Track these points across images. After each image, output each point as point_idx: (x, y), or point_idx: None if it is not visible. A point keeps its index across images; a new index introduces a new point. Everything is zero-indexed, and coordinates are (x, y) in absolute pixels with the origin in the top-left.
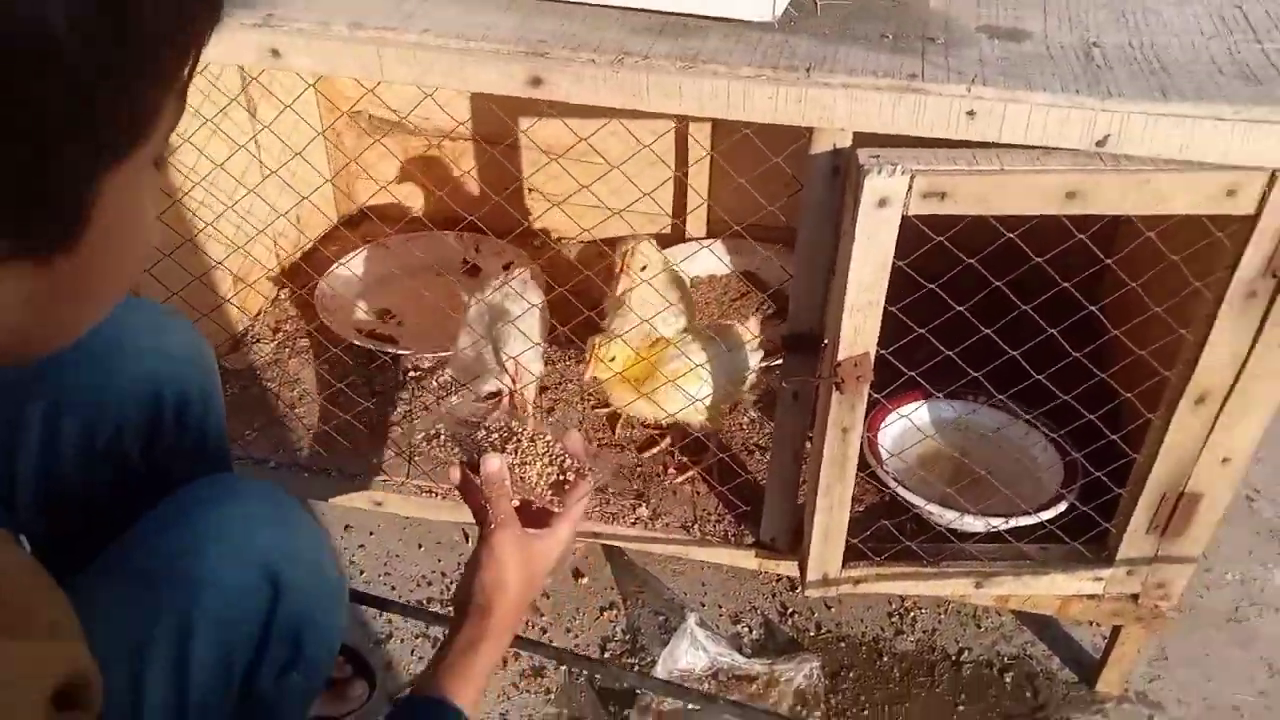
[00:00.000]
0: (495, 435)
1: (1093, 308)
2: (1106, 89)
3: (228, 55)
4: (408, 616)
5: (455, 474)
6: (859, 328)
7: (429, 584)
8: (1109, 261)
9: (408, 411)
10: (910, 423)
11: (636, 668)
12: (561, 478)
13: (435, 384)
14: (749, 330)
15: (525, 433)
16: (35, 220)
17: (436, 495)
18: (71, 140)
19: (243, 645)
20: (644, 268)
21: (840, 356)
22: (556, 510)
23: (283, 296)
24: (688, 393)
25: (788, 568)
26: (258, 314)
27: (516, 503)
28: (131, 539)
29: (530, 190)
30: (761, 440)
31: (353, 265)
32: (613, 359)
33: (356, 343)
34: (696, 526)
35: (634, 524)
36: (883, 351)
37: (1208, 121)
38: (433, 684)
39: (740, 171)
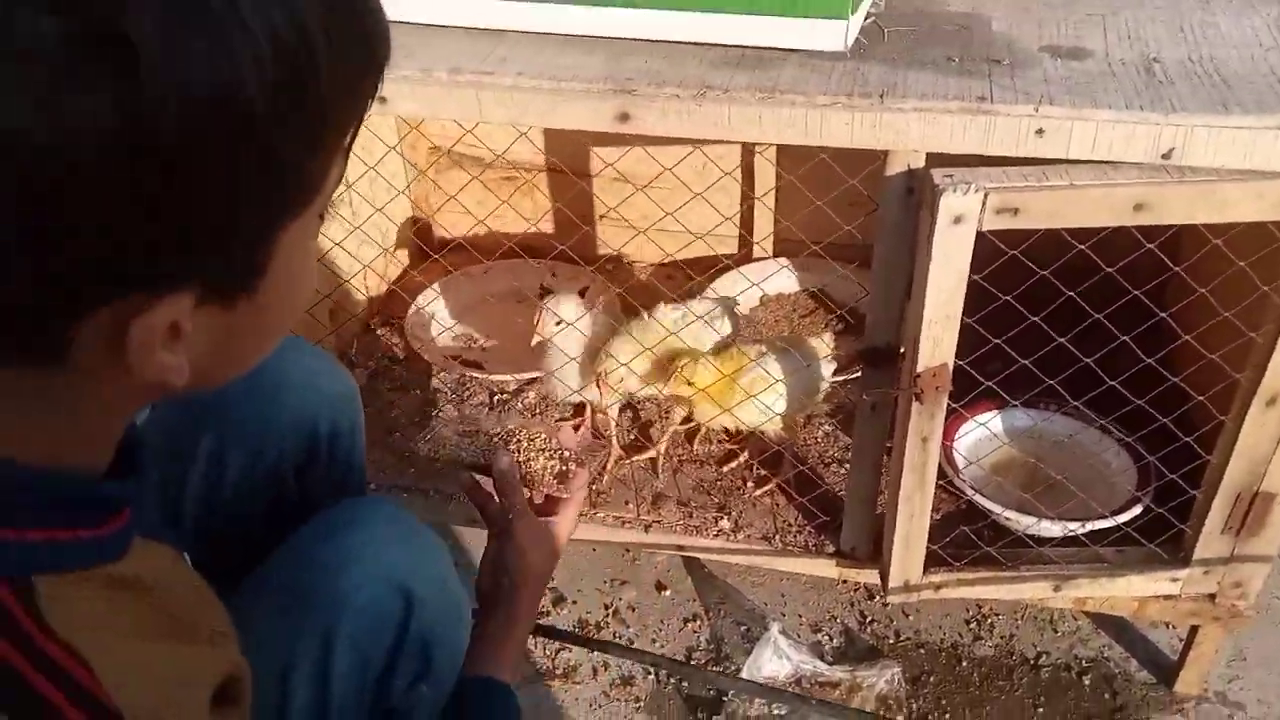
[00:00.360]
0: (496, 439)
1: (1162, 314)
2: (1170, 103)
3: None
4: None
5: (466, 477)
6: (937, 340)
7: None
8: (1177, 269)
9: (497, 432)
10: (986, 431)
11: (723, 674)
12: (563, 468)
13: (521, 405)
14: (824, 344)
15: (523, 433)
16: (227, 269)
17: None
18: (257, 199)
19: (378, 657)
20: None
21: (919, 368)
22: (563, 497)
23: (374, 325)
24: (764, 405)
25: (868, 576)
26: (352, 343)
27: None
28: (279, 559)
29: (602, 217)
30: (837, 453)
31: (437, 296)
32: (692, 380)
33: (445, 369)
34: (778, 537)
35: (717, 535)
36: (959, 362)
37: (1269, 132)
38: (478, 665)
39: (809, 188)
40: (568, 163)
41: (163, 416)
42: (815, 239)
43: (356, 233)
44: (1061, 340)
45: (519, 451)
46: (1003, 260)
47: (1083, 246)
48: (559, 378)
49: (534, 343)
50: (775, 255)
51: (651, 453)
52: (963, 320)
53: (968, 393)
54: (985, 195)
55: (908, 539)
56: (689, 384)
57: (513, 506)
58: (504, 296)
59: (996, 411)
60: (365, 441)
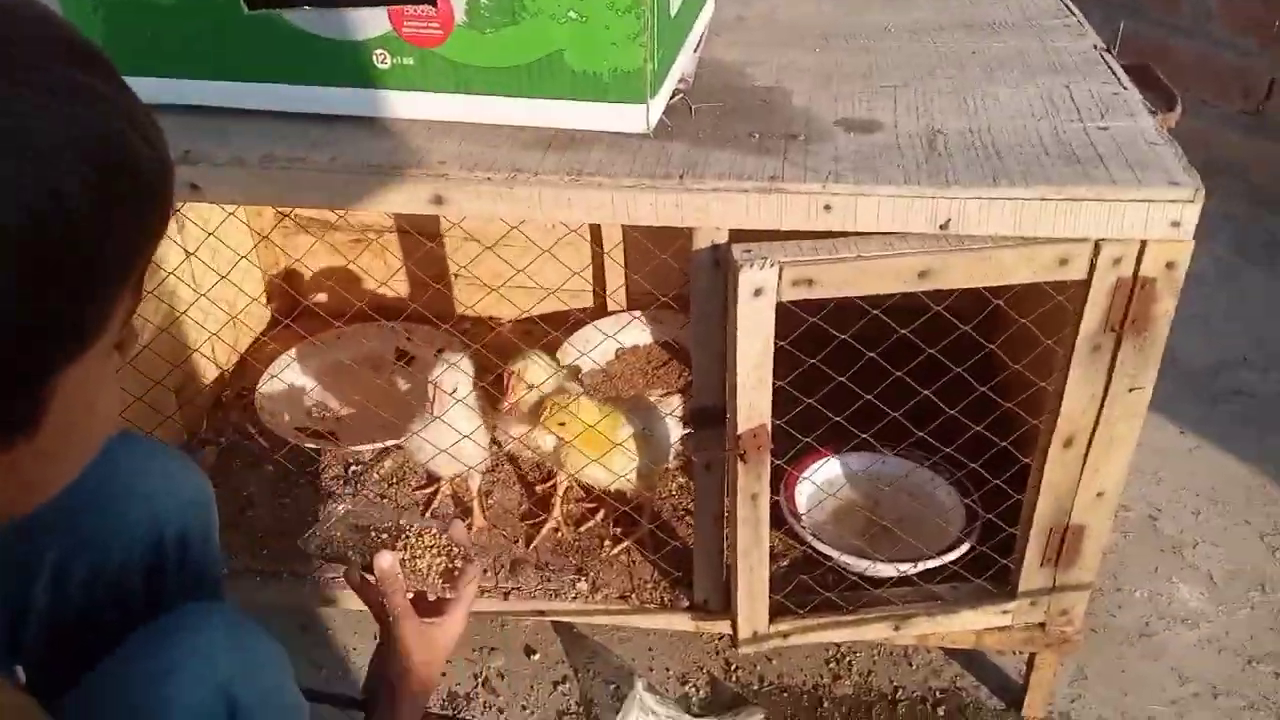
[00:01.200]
0: (384, 535)
1: (990, 345)
2: (945, 177)
3: None
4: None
5: (354, 575)
6: (753, 403)
7: None
8: (998, 301)
9: (350, 509)
10: (818, 482)
11: None
12: (450, 565)
13: (377, 475)
14: (672, 404)
15: (413, 529)
16: None
17: None
18: (18, 349)
19: None
20: (531, 386)
21: (740, 430)
22: (449, 596)
23: (224, 399)
24: (628, 453)
25: (722, 627)
26: (202, 420)
27: (411, 595)
28: (107, 668)
29: (456, 276)
30: (690, 505)
31: (289, 365)
32: (564, 422)
33: (296, 443)
34: (634, 595)
35: (575, 598)
36: (779, 422)
37: (1035, 202)
38: None
39: (655, 243)
40: (416, 223)
41: (2, 530)
42: (665, 291)
43: (201, 302)
44: (900, 375)
45: (407, 549)
46: (806, 326)
47: (877, 311)
48: (429, 442)
49: (507, 405)
50: (629, 308)
51: (551, 523)
52: (800, 365)
53: (809, 442)
54: (780, 269)
55: (751, 591)
56: (560, 425)
57: (394, 608)
58: (360, 360)
59: (834, 457)
60: (218, 533)
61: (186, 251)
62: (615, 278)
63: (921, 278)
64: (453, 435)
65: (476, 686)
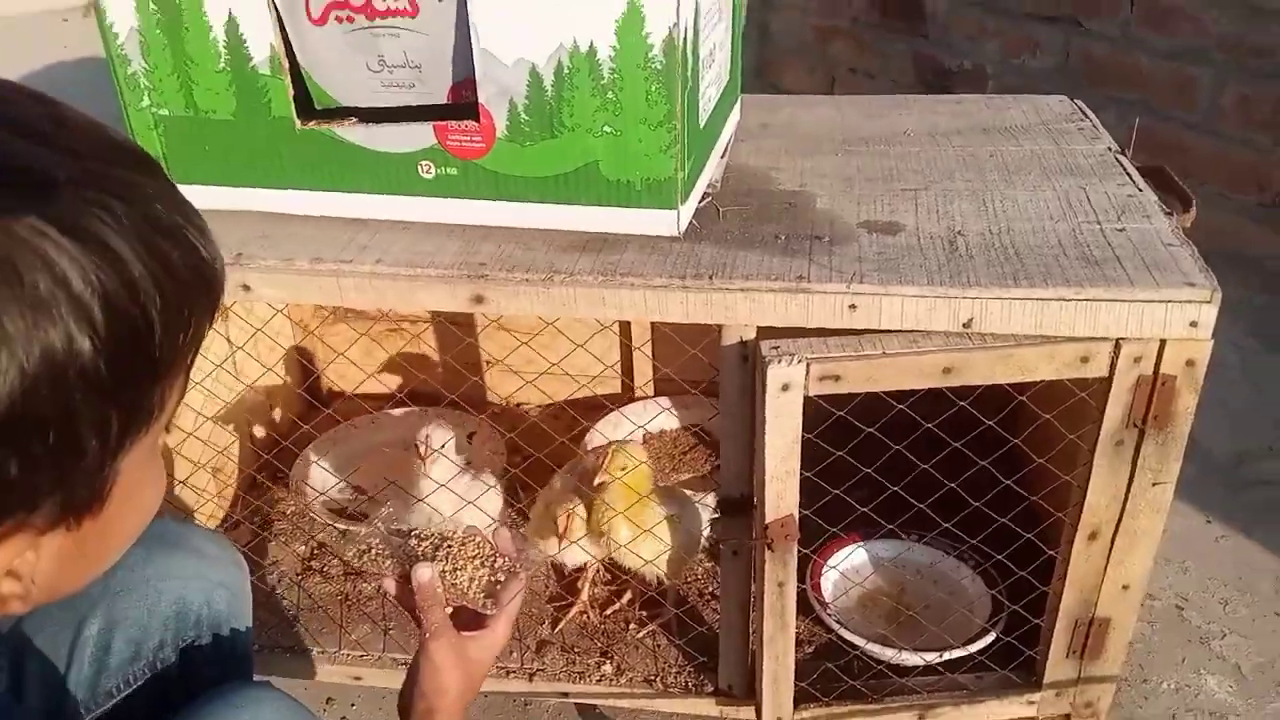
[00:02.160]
0: (427, 543)
1: (1014, 440)
2: (967, 278)
3: None
4: None
5: (390, 585)
6: (780, 494)
7: None
8: (1021, 398)
9: (380, 586)
10: (844, 569)
11: None
12: (493, 579)
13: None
14: (702, 496)
15: (456, 538)
16: (70, 504)
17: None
18: (97, 437)
19: None
20: (623, 468)
21: (768, 519)
22: (490, 613)
23: (259, 480)
24: (656, 545)
25: (746, 713)
26: (235, 502)
27: (451, 610)
28: None
29: (489, 364)
30: (716, 590)
31: (324, 448)
32: (623, 468)
33: (329, 523)
34: (659, 679)
35: (599, 680)
36: (806, 512)
37: (1054, 302)
38: None
39: (683, 336)
40: (452, 314)
41: (43, 615)
42: (693, 378)
43: (240, 387)
44: (923, 468)
45: (448, 559)
46: (831, 421)
47: (902, 406)
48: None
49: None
50: (656, 395)
51: (578, 606)
52: (828, 457)
53: (837, 529)
54: (808, 365)
55: (775, 678)
56: (620, 469)
57: (431, 624)
58: (393, 444)
59: (861, 544)
60: (251, 611)
61: (230, 343)
62: (644, 369)
63: (945, 374)
64: (451, 496)
65: None
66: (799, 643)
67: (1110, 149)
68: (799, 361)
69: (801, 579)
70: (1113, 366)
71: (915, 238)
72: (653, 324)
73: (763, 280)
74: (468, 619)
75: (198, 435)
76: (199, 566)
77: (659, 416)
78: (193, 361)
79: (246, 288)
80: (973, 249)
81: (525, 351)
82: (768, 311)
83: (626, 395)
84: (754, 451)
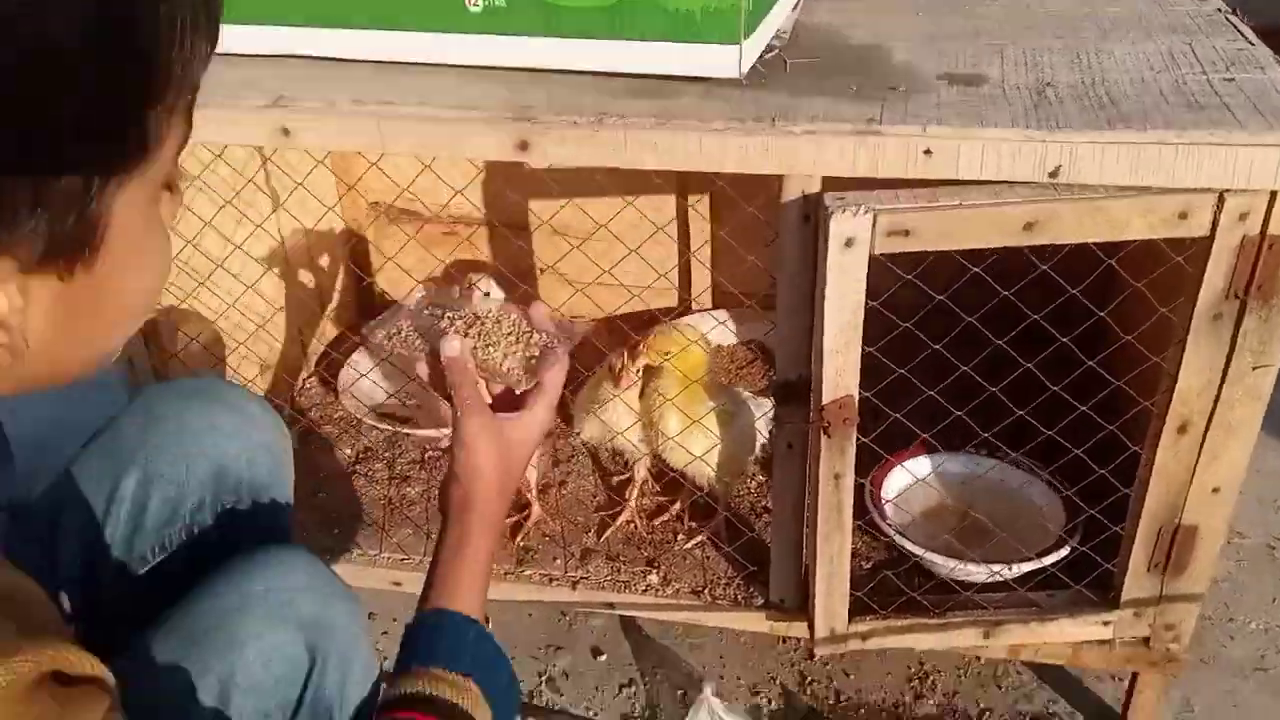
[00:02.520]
0: (460, 320)
1: (1101, 314)
2: (1055, 122)
3: (242, 136)
4: None
5: (423, 368)
6: (840, 370)
7: None
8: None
9: (425, 490)
10: (914, 477)
11: None
12: (530, 355)
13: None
14: (764, 404)
15: (490, 315)
16: (56, 227)
17: None
18: (78, 144)
19: (277, 712)
20: (667, 352)
21: (824, 400)
22: (527, 388)
23: (308, 384)
24: (706, 440)
25: (798, 629)
26: (284, 404)
27: (486, 389)
28: (187, 601)
29: (542, 271)
30: (769, 503)
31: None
32: (668, 353)
33: (374, 425)
34: (707, 591)
35: (645, 591)
36: (867, 394)
37: (1152, 147)
38: (429, 599)
39: (742, 243)
40: (506, 216)
41: (84, 464)
42: (752, 291)
43: (293, 291)
44: (993, 390)
45: (480, 337)
46: (901, 284)
47: (976, 269)
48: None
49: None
50: (714, 308)
51: (626, 514)
52: (888, 364)
53: (895, 437)
54: (875, 217)
55: (830, 583)
56: (663, 354)
57: (462, 402)
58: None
59: (924, 456)
60: (292, 483)
61: (275, 201)
62: (702, 279)
63: (1027, 230)
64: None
65: (540, 685)
66: (855, 557)
67: (1220, 9)
68: (865, 212)
69: (859, 490)
70: (1215, 224)
71: (1000, 88)
72: (713, 233)
73: (829, 123)
74: (506, 402)
75: (243, 322)
76: (239, 423)
77: (715, 329)
78: (191, 103)
79: (286, 131)
80: (1063, 97)
81: (580, 262)
82: (833, 158)
83: (683, 309)
84: (813, 327)
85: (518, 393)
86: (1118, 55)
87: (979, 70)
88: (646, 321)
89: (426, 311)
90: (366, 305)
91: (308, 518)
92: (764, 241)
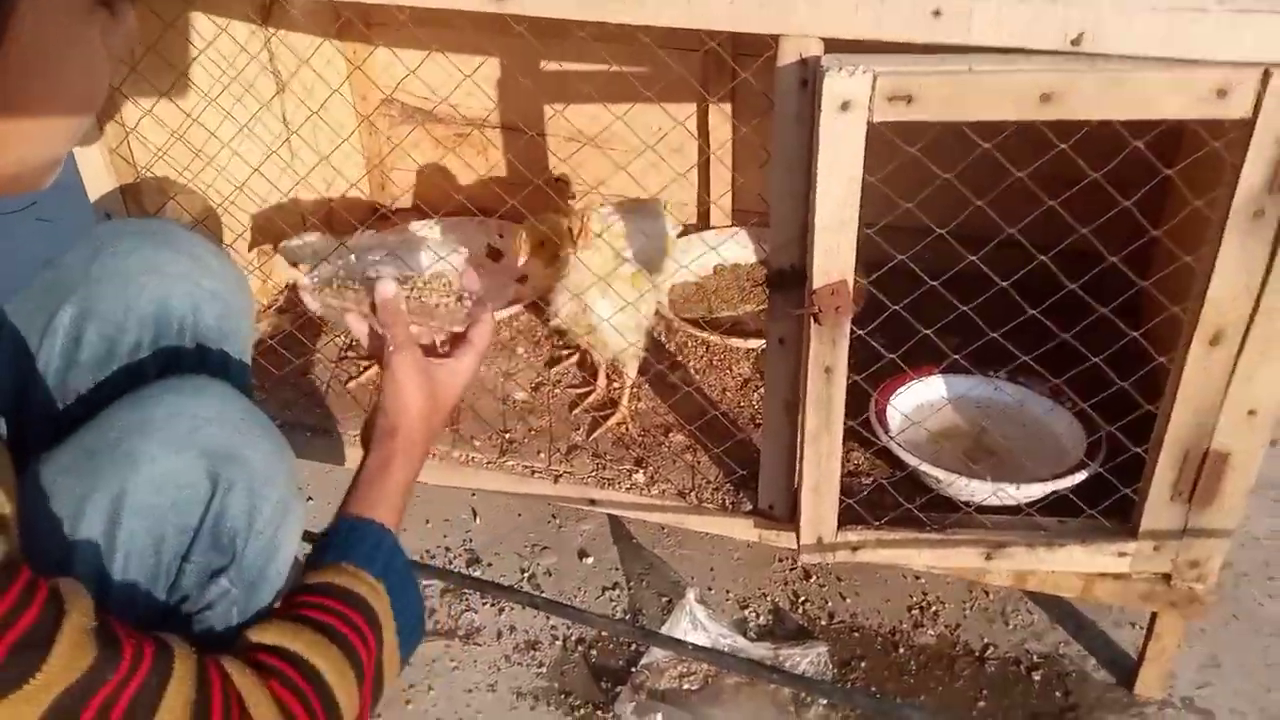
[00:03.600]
0: (396, 270)
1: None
2: None
3: None
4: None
5: (355, 321)
6: (831, 250)
7: (433, 559)
8: (1169, 172)
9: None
10: (926, 394)
11: (634, 647)
12: (461, 305)
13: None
14: (661, 206)
15: (423, 277)
16: None
17: (435, 457)
18: None
19: (174, 536)
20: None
21: (816, 285)
22: (457, 329)
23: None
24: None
25: (787, 539)
26: (285, 288)
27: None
28: (94, 420)
29: (557, 179)
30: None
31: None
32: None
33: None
34: (694, 494)
35: (629, 489)
36: (861, 280)
37: (1187, 13)
38: (350, 507)
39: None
40: (522, 115)
41: (27, 295)
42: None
43: (301, 182)
44: (1032, 312)
45: (414, 289)
46: (902, 160)
47: (987, 146)
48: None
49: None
50: (734, 224)
51: (618, 415)
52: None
53: (910, 356)
54: (874, 79)
55: (817, 485)
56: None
57: (395, 339)
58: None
59: (939, 376)
60: (250, 341)
61: (287, 125)
62: (722, 187)
63: (1044, 102)
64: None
65: (521, 581)
66: (856, 474)
67: None
68: (864, 73)
69: (863, 410)
70: (1258, 104)
71: None
72: (733, 129)
73: None
74: (433, 354)
75: (245, 203)
76: (189, 268)
77: (733, 245)
78: None
79: None
80: None
81: (593, 171)
82: (830, 17)
83: (702, 223)
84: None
85: (441, 342)
86: None
87: None
88: None
89: (365, 258)
90: (377, 198)
91: (294, 396)
92: None
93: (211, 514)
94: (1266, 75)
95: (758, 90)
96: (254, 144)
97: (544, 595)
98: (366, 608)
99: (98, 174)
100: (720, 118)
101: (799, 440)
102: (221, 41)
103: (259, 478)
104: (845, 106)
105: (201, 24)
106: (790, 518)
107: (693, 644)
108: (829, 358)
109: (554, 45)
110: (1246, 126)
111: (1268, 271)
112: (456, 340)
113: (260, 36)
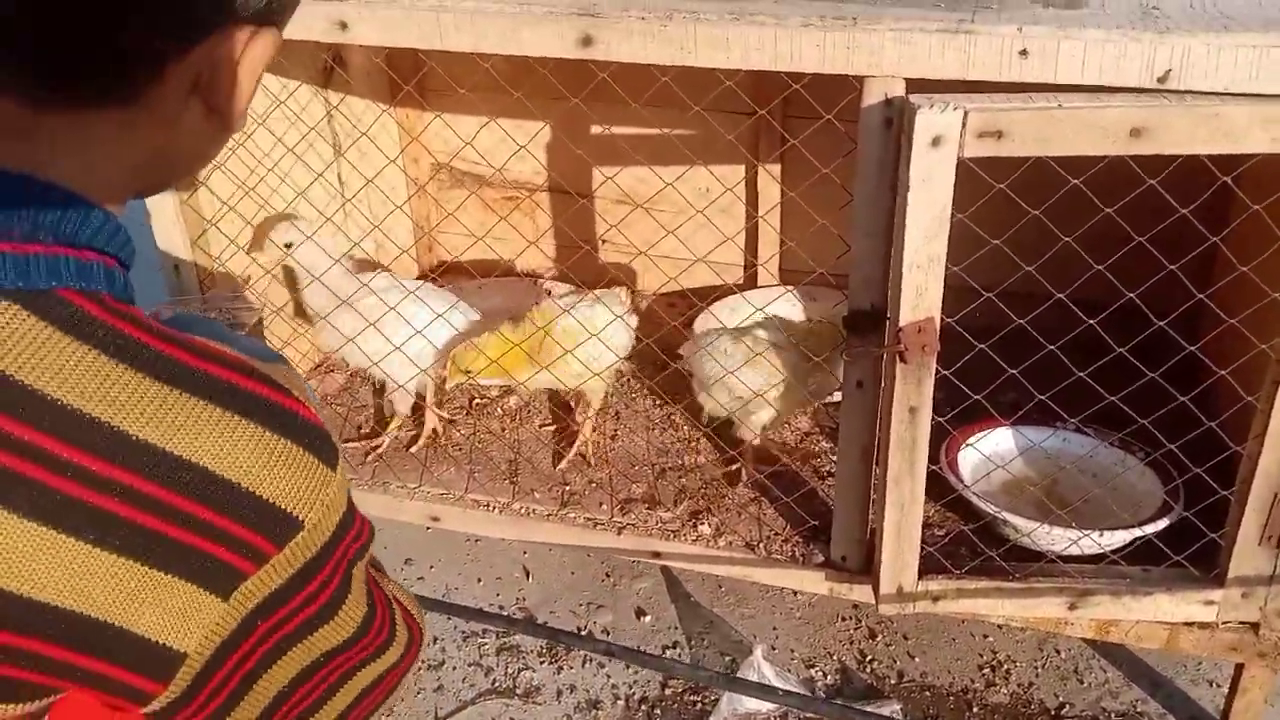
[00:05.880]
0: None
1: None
2: (1164, 26)
3: (298, 31)
4: (469, 619)
5: None
6: (921, 288)
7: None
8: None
9: (471, 434)
10: (994, 449)
11: (699, 706)
12: None
13: (500, 410)
14: (618, 297)
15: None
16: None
17: (494, 509)
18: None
19: None
20: (288, 245)
21: (902, 322)
22: None
23: None
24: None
25: (860, 592)
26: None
27: None
28: None
29: (604, 242)
30: (833, 467)
31: None
32: (468, 370)
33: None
34: (762, 545)
35: (695, 541)
36: (948, 319)
37: (1276, 50)
38: None
39: (812, 214)
40: (570, 179)
41: None
42: (823, 263)
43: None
44: (1081, 374)
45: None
46: (992, 194)
47: (1076, 182)
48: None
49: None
50: (782, 284)
51: (579, 444)
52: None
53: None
54: (965, 115)
55: (898, 531)
56: (464, 372)
57: None
58: (495, 313)
59: (1009, 429)
60: None
61: (337, 151)
62: (770, 248)
63: (1134, 137)
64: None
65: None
66: (928, 525)
67: None
68: (955, 109)
69: (936, 459)
70: None
71: (1101, 12)
72: (782, 193)
73: (917, 21)
74: None
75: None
76: None
77: (782, 303)
78: (286, 7)
79: (344, 25)
80: (1171, 13)
81: (642, 233)
82: (920, 57)
83: (749, 283)
84: (891, 249)
85: None
86: None
87: None
88: (709, 295)
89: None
90: (424, 262)
91: (350, 453)
92: (835, 205)
93: None
94: None
95: (808, 154)
96: (311, 203)
97: (604, 663)
98: None
99: (169, 222)
100: (768, 180)
101: (874, 488)
102: (287, 101)
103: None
104: (936, 142)
105: (269, 82)
106: (864, 569)
107: (778, 687)
108: (914, 398)
109: (603, 110)
110: None
111: None
112: None
113: (321, 100)
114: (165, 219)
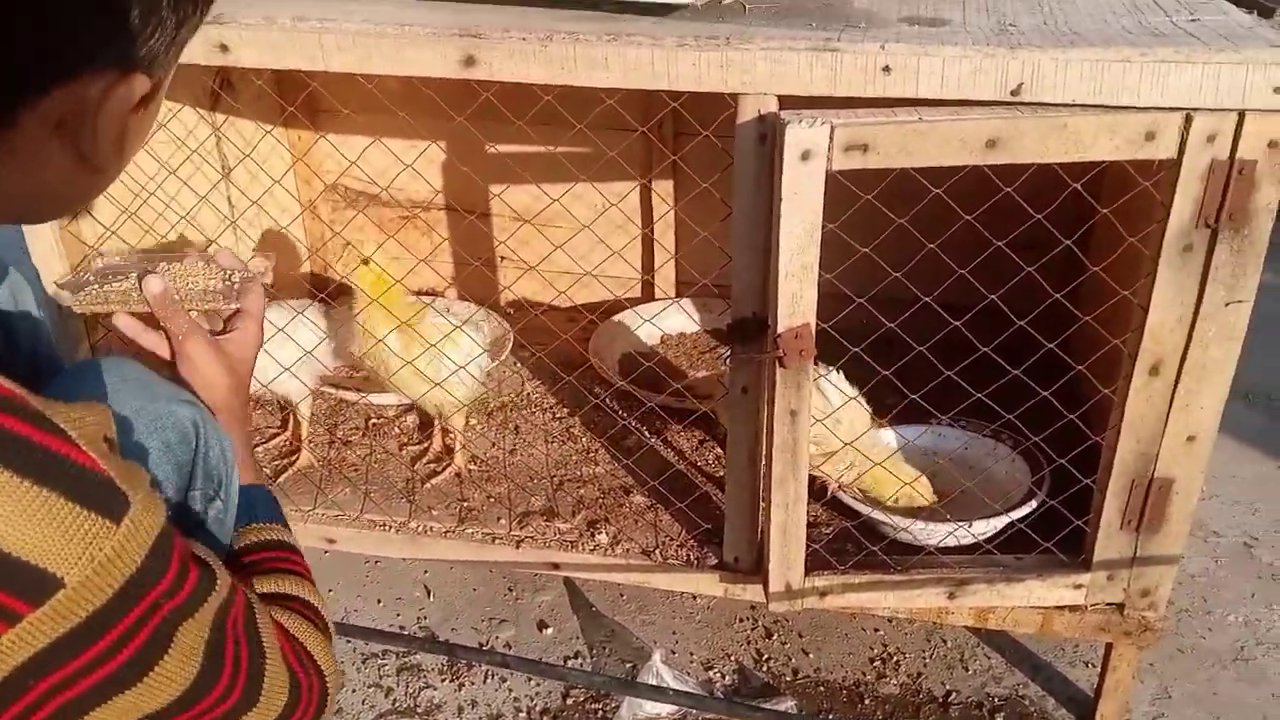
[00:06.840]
0: (149, 273)
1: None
2: (1016, 42)
3: None
4: (369, 640)
5: (121, 319)
6: (796, 295)
7: None
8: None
9: (367, 455)
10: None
11: (600, 714)
12: (229, 283)
13: (397, 430)
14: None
15: (176, 260)
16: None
17: (390, 529)
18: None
19: (176, 471)
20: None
21: (780, 329)
22: (234, 308)
23: None
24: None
25: (753, 591)
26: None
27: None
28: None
29: (502, 259)
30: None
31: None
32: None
33: (323, 389)
34: (658, 551)
35: (593, 551)
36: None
37: (1117, 65)
38: None
39: (704, 227)
40: (463, 199)
41: None
42: (717, 280)
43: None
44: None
45: (174, 278)
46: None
47: (938, 191)
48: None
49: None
50: (677, 295)
51: (454, 466)
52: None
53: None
54: (832, 130)
55: (784, 530)
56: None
57: (180, 329)
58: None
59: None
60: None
61: (225, 174)
62: (665, 264)
63: (990, 148)
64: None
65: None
66: (815, 524)
67: None
68: (822, 124)
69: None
70: (1182, 145)
71: (961, 29)
72: (677, 217)
73: (786, 41)
74: (213, 332)
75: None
76: None
77: (675, 315)
78: (156, 54)
79: (224, 48)
80: (1025, 31)
81: (539, 249)
82: (790, 74)
83: (645, 297)
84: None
85: (224, 320)
86: (1079, 3)
87: (940, 15)
88: (611, 310)
89: (115, 266)
90: (320, 284)
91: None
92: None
93: (200, 454)
94: (1188, 119)
95: (695, 168)
96: (198, 228)
97: (506, 677)
98: (296, 548)
99: (46, 249)
100: (660, 195)
101: (763, 490)
102: (171, 124)
103: (220, 434)
104: (806, 156)
105: None
106: (755, 570)
107: (672, 689)
108: (794, 401)
109: (495, 129)
110: (1174, 166)
111: (1199, 301)
112: (235, 315)
113: (208, 122)
114: (43, 245)
